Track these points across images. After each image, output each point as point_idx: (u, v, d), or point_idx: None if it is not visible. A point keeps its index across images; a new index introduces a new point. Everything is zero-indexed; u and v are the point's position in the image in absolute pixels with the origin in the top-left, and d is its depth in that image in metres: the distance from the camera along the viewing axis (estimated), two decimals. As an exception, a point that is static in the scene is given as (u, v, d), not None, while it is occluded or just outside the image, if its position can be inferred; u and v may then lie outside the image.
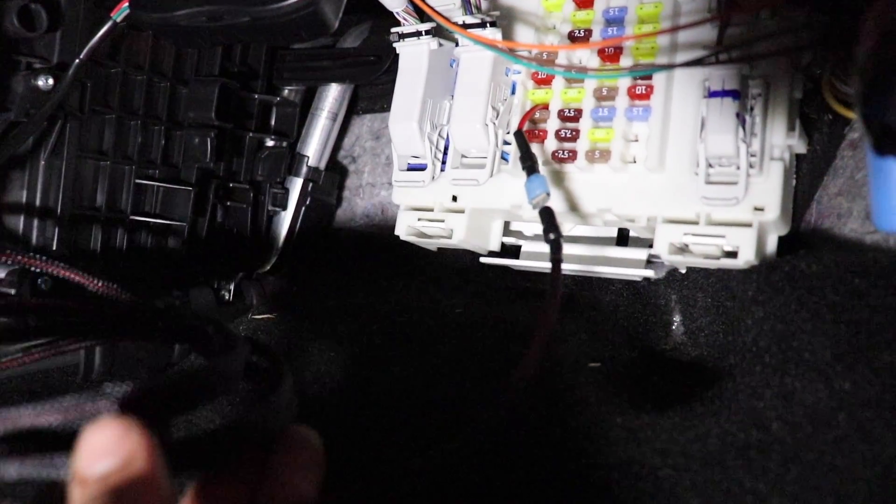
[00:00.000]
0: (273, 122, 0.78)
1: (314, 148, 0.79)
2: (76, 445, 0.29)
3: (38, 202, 0.63)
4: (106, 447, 0.29)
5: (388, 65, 0.71)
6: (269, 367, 0.41)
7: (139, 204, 0.70)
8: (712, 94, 0.50)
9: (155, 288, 0.71)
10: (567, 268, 0.59)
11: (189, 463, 0.33)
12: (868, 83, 0.31)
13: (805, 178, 0.56)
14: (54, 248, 0.64)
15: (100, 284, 0.50)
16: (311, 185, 0.79)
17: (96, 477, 0.28)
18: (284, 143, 0.78)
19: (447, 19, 0.54)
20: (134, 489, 0.28)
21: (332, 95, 0.78)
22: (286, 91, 0.79)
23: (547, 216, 0.52)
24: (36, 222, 0.63)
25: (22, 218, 0.62)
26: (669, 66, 0.53)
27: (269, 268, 0.79)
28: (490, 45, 0.54)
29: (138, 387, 0.32)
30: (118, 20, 0.59)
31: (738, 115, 0.49)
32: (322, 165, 0.80)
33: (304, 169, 0.78)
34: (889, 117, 0.31)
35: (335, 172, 0.82)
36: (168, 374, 0.49)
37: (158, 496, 0.29)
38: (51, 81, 0.61)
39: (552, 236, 0.51)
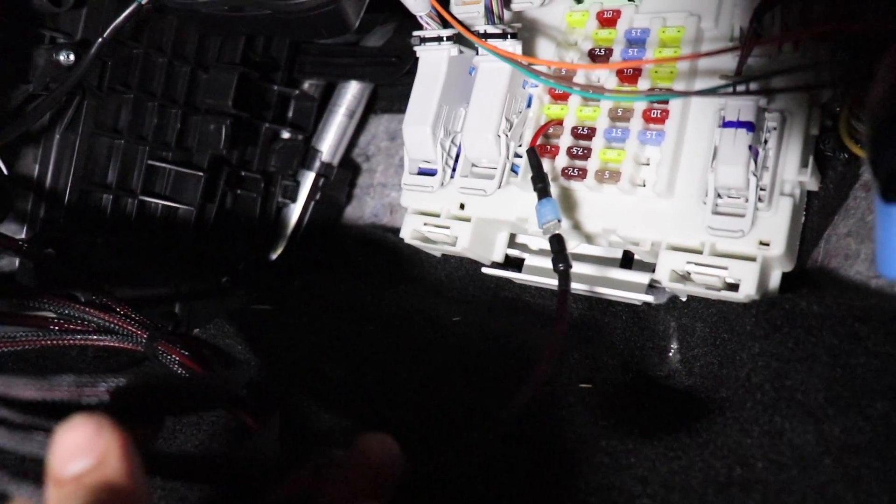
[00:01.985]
0: (290, 115, 0.79)
1: (329, 143, 0.79)
2: (51, 445, 0.29)
3: (49, 175, 0.64)
4: (79, 447, 0.28)
5: (408, 67, 0.71)
6: (260, 405, 0.41)
7: (150, 184, 0.70)
8: (726, 125, 0.49)
9: (160, 266, 0.72)
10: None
11: (171, 474, 0.33)
12: (878, 129, 0.31)
13: (815, 216, 0.56)
14: (62, 221, 0.64)
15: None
16: (322, 180, 0.79)
17: (70, 477, 0.28)
18: (300, 137, 0.78)
19: (467, 28, 0.54)
20: (107, 489, 0.28)
21: (352, 93, 0.78)
22: (306, 84, 0.79)
23: (557, 244, 0.51)
24: (46, 195, 0.63)
25: (32, 190, 0.63)
26: (685, 94, 0.52)
27: (273, 258, 0.80)
28: (507, 58, 0.54)
29: (129, 383, 0.32)
30: (143, 2, 0.59)
31: (751, 147, 0.49)
32: (335, 162, 0.80)
33: (317, 164, 0.79)
34: (897, 165, 0.31)
35: (347, 170, 0.82)
36: (162, 375, 0.49)
37: (132, 497, 0.29)
38: (72, 57, 0.61)
39: (561, 267, 0.50)
